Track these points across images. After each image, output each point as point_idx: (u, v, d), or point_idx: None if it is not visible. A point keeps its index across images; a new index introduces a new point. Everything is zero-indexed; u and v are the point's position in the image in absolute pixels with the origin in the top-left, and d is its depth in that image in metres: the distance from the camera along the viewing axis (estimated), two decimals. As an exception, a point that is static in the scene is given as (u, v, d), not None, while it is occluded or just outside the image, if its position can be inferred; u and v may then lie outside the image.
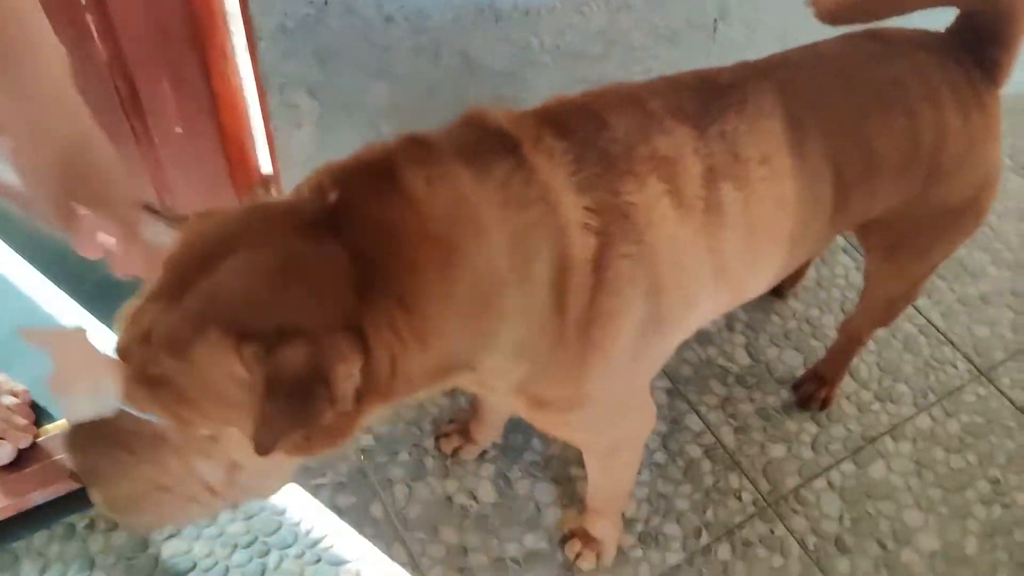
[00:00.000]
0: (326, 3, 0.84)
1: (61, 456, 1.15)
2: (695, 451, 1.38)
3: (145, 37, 0.89)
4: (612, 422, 0.94)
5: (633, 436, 1.02)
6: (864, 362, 1.52)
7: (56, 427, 1.21)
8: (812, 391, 1.43)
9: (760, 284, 0.97)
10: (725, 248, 0.84)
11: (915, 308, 1.62)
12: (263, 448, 0.57)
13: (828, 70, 0.93)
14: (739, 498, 1.32)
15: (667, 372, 1.46)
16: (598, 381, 0.82)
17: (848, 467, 1.38)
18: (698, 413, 1.43)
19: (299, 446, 0.64)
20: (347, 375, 0.60)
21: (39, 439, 1.18)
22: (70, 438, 0.66)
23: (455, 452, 1.31)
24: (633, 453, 1.06)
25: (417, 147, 0.69)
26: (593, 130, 0.76)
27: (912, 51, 0.96)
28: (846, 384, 1.46)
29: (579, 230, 0.72)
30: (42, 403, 1.23)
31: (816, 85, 0.90)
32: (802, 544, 1.28)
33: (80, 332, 0.60)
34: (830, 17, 1.00)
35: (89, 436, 0.65)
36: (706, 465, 1.36)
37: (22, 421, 1.18)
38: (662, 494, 1.31)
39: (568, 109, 0.78)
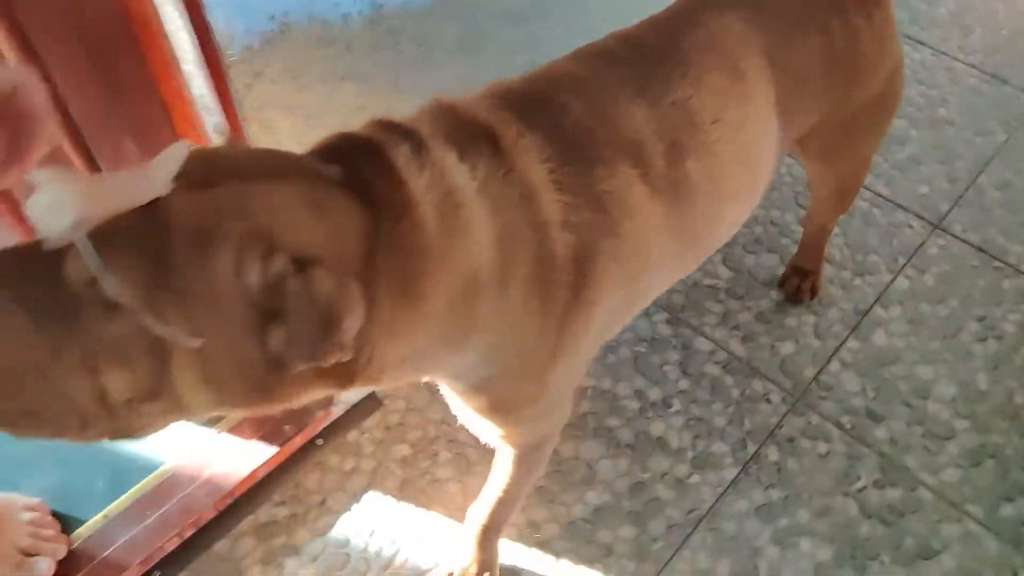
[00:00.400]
0: (287, 13, 0.81)
1: (106, 553, 1.09)
2: (713, 369, 1.42)
3: (98, 100, 0.84)
4: (551, 413, 0.89)
5: (556, 427, 0.95)
6: (833, 246, 1.59)
7: (88, 527, 1.14)
8: (797, 284, 1.49)
9: (726, 238, 0.98)
10: (695, 223, 0.84)
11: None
12: (275, 367, 0.55)
13: (736, 9, 0.90)
14: (768, 400, 1.37)
15: (662, 305, 1.49)
16: (562, 372, 0.80)
17: (853, 343, 1.45)
18: (703, 334, 1.47)
19: (260, 389, 0.58)
20: (354, 326, 0.55)
21: (74, 546, 1.11)
22: None
23: None
24: (551, 446, 0.98)
25: (400, 134, 0.66)
26: (557, 119, 0.74)
27: None
28: (825, 270, 1.53)
29: (560, 229, 0.71)
30: (63, 510, 1.16)
31: (735, 26, 0.88)
32: (839, 425, 1.34)
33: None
34: None
35: None
36: (728, 379, 1.40)
37: (50, 532, 1.10)
38: (698, 417, 1.35)
39: (528, 97, 0.76)
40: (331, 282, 0.54)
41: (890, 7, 1.03)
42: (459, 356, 0.72)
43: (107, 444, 1.28)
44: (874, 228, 1.64)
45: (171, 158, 0.52)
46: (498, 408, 0.82)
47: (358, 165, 0.62)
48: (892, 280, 1.54)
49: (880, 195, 1.70)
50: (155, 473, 1.21)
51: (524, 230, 0.69)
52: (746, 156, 0.88)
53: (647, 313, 1.48)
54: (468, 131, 0.69)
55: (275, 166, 0.59)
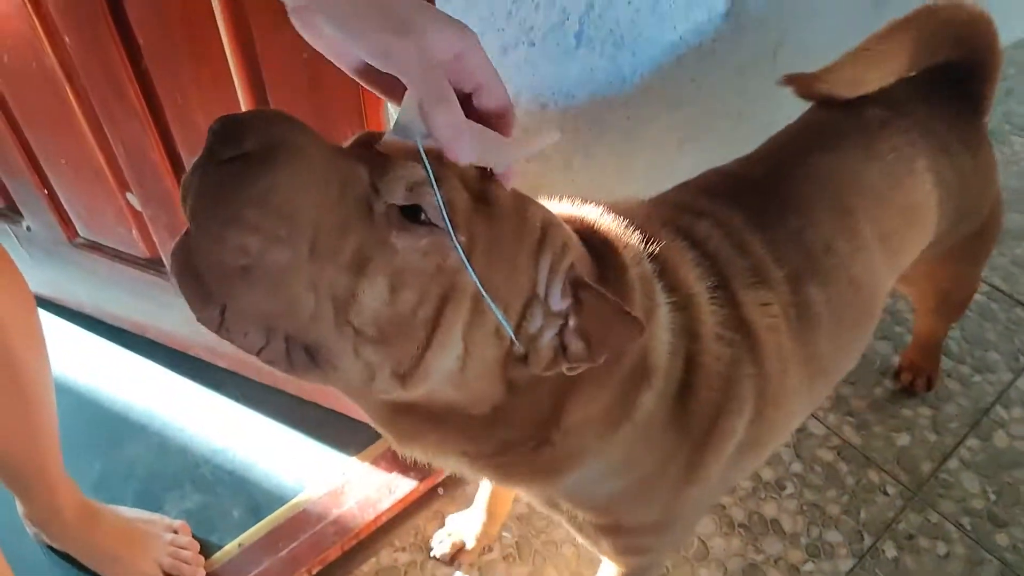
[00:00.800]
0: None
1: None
2: (827, 455, 1.41)
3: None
4: (667, 541, 0.89)
5: (669, 552, 0.95)
6: (951, 338, 1.58)
7: (224, 553, 1.19)
8: (911, 379, 1.49)
9: (849, 369, 0.98)
10: (820, 352, 0.85)
11: (978, 278, 1.70)
12: (521, 357, 0.58)
13: (846, 144, 0.93)
14: (885, 492, 1.36)
15: (776, 383, 1.50)
16: (689, 500, 0.80)
17: (973, 442, 1.43)
18: (816, 417, 1.47)
19: (499, 370, 0.59)
20: (630, 347, 0.63)
21: (210, 570, 1.16)
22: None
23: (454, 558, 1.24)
24: (659, 571, 0.98)
25: (628, 222, 0.71)
26: (705, 240, 0.79)
27: (913, 106, 0.98)
28: (943, 362, 1.52)
29: (714, 340, 0.73)
30: (201, 534, 1.22)
31: (843, 164, 0.92)
32: (959, 526, 1.32)
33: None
34: (812, 95, 1.00)
35: (245, 213, 0.46)
36: (842, 467, 1.40)
37: (190, 554, 1.16)
38: (812, 503, 1.34)
39: (673, 218, 0.80)
40: (602, 296, 0.57)
41: (988, 142, 1.05)
42: (605, 449, 0.70)
43: (245, 472, 1.34)
44: (992, 323, 1.62)
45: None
46: (618, 531, 0.81)
47: (594, 235, 0.67)
48: (1013, 380, 1.52)
49: (998, 288, 1.69)
50: (288, 505, 1.26)
51: (685, 334, 0.71)
52: (859, 285, 0.89)
53: (761, 391, 1.49)
54: (660, 234, 0.74)
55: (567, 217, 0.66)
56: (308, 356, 0.52)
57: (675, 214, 0.81)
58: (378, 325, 0.51)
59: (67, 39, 1.01)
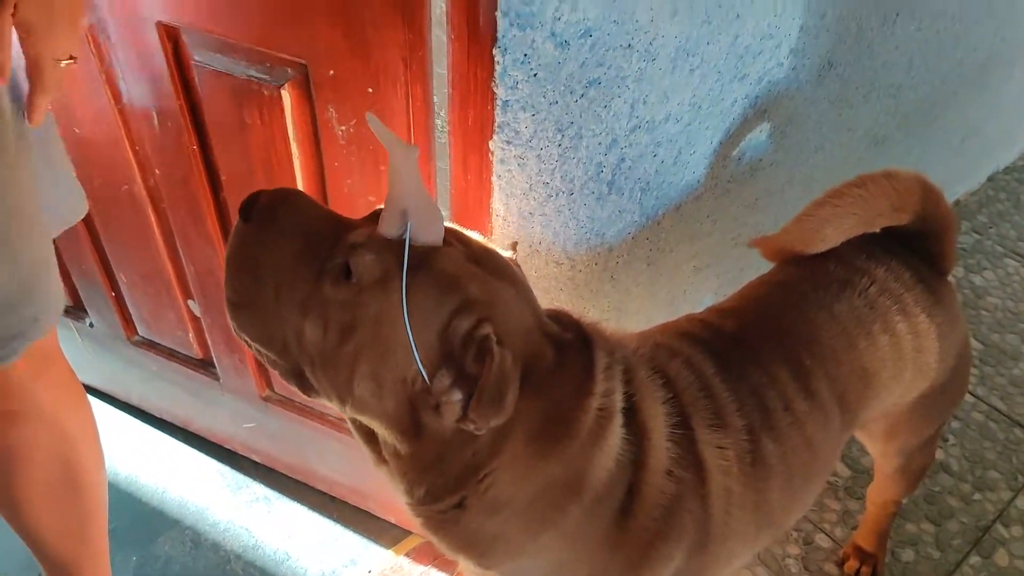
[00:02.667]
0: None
1: None
2: (834, 570, 1.47)
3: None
4: None
5: None
6: (952, 456, 1.65)
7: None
8: (857, 567, 1.43)
9: (796, 519, 1.02)
10: (770, 499, 0.89)
11: (976, 397, 1.78)
12: (429, 403, 0.68)
13: (807, 305, 0.97)
14: (890, 608, 1.41)
15: (784, 495, 1.56)
16: None
17: (975, 559, 1.48)
18: (823, 531, 1.53)
19: (408, 414, 0.70)
20: (511, 405, 0.67)
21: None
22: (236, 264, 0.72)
23: None
24: None
25: (605, 340, 0.79)
26: (673, 380, 0.84)
27: (866, 266, 1.01)
28: (944, 480, 1.59)
29: (662, 476, 0.78)
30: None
31: (803, 323, 0.96)
32: (963, 644, 1.37)
33: (415, 150, 0.65)
34: (777, 257, 1.06)
35: (243, 263, 0.71)
36: (849, 581, 1.45)
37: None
38: (821, 617, 1.39)
39: (649, 354, 0.87)
40: (514, 367, 0.67)
41: (952, 299, 1.06)
42: (531, 548, 0.77)
43: (275, 568, 1.38)
44: (992, 442, 1.70)
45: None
46: None
47: (568, 332, 0.76)
48: (1013, 498, 1.59)
49: (996, 409, 1.77)
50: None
51: (631, 466, 0.77)
52: (813, 444, 0.93)
53: (770, 502, 1.55)
54: (634, 363, 0.82)
55: (516, 277, 0.75)
56: (299, 377, 0.72)
57: (654, 351, 0.88)
58: (321, 355, 0.69)
59: (157, 171, 1.14)
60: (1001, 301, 2.03)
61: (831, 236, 0.98)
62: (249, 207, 0.70)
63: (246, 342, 0.73)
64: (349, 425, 0.79)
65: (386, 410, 0.70)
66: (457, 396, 0.67)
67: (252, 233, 0.71)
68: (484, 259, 0.72)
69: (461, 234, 0.73)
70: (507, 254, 0.77)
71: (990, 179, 2.41)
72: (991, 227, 2.25)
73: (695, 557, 0.84)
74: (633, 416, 0.78)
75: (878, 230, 1.02)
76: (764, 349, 0.93)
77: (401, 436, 0.71)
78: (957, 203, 2.30)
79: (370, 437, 0.77)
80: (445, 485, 0.72)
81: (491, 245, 0.75)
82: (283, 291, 0.69)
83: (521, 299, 0.73)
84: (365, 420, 0.73)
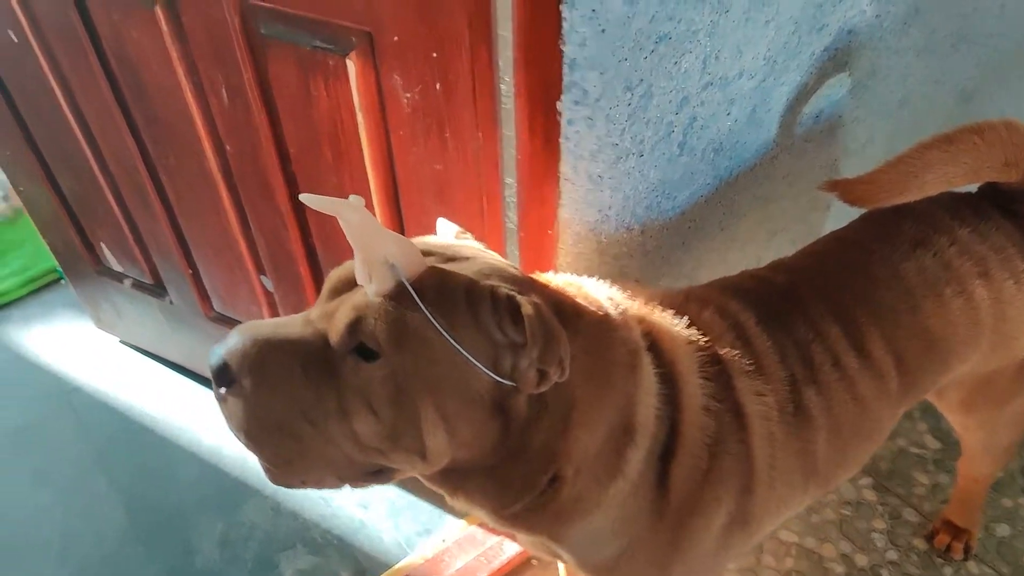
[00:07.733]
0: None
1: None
2: (924, 544, 1.41)
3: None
4: None
5: None
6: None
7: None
8: (948, 541, 1.38)
9: (847, 476, 0.99)
10: (816, 451, 0.88)
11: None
12: (504, 394, 0.68)
13: (869, 262, 0.93)
14: (985, 586, 1.34)
15: (867, 469, 1.51)
16: (683, 569, 0.84)
17: (1078, 537, 1.40)
18: (911, 505, 1.47)
19: (488, 420, 0.69)
20: (567, 349, 0.68)
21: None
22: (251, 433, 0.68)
23: None
24: None
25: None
26: (705, 328, 0.84)
27: (949, 225, 0.95)
28: (1044, 453, 1.50)
29: (701, 412, 0.79)
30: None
31: (862, 279, 0.92)
32: (1065, 624, 1.29)
33: (359, 199, 0.63)
34: (858, 202, 1.00)
35: (263, 428, 0.67)
36: (939, 558, 1.39)
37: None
38: (908, 593, 1.34)
39: (679, 303, 0.87)
40: (544, 305, 0.67)
41: None
42: (603, 501, 0.78)
43: (352, 536, 1.42)
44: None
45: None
46: None
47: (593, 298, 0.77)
48: (1119, 473, 1.49)
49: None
50: (392, 570, 1.34)
51: (668, 403, 0.78)
52: (864, 401, 0.90)
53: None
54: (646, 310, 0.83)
55: (477, 250, 0.75)
56: (374, 475, 0.72)
57: (682, 300, 0.88)
58: (386, 439, 0.67)
59: (228, 147, 1.16)
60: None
61: (931, 184, 0.93)
62: (223, 376, 0.66)
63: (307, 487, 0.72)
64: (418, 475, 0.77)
65: (464, 440, 0.69)
66: (524, 363, 0.67)
67: (250, 397, 0.66)
68: (448, 252, 0.72)
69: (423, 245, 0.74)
70: (458, 233, 0.80)
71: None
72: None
73: (743, 500, 0.84)
74: (658, 356, 0.79)
75: (977, 186, 0.96)
76: (814, 303, 0.90)
77: (481, 453, 0.71)
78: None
79: (443, 474, 0.75)
80: (538, 467, 0.73)
81: (437, 239, 0.77)
82: (317, 416, 0.66)
83: (498, 263, 0.73)
84: (441, 463, 0.72)
